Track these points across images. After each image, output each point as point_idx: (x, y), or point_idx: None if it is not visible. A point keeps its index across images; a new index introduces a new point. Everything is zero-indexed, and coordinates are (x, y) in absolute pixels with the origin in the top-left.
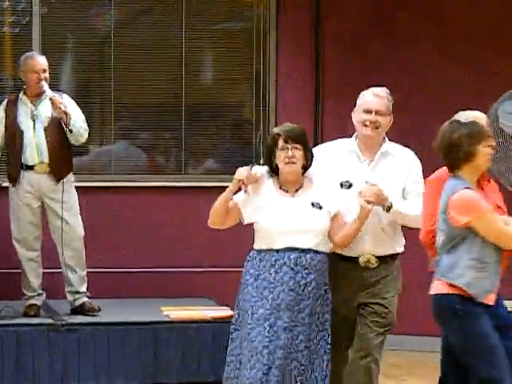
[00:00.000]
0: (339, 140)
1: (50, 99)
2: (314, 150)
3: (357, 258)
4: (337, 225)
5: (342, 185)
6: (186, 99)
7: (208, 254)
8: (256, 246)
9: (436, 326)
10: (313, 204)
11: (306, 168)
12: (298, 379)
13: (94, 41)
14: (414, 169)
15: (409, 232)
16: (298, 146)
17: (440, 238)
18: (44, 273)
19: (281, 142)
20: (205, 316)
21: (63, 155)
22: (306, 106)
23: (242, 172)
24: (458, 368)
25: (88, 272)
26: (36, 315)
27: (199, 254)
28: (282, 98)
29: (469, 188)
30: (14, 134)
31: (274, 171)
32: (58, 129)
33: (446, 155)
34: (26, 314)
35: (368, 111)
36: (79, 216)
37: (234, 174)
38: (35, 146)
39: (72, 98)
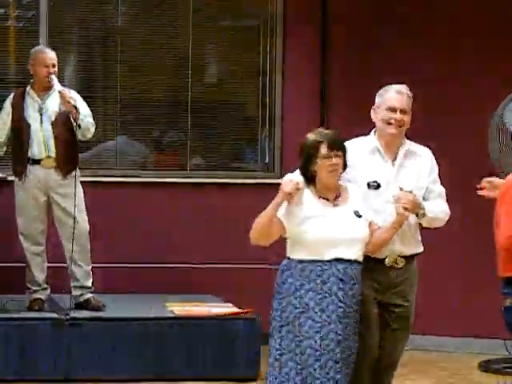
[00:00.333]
0: (359, 139)
1: (60, 93)
2: None
3: (382, 258)
4: (371, 231)
5: (369, 185)
6: (192, 95)
7: (212, 251)
8: (295, 255)
9: (438, 326)
10: (355, 213)
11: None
12: None
13: (100, 36)
14: (435, 168)
15: None
16: (340, 153)
17: None
18: (49, 267)
19: (324, 150)
20: (209, 312)
21: (70, 150)
22: (312, 103)
23: (288, 184)
24: None
25: (93, 267)
26: (40, 309)
27: (204, 250)
28: (287, 95)
29: None
30: (21, 128)
31: (310, 179)
32: (65, 123)
33: None
34: (30, 308)
35: (393, 109)
36: (85, 211)
37: (238, 170)
38: (42, 140)
39: (78, 92)
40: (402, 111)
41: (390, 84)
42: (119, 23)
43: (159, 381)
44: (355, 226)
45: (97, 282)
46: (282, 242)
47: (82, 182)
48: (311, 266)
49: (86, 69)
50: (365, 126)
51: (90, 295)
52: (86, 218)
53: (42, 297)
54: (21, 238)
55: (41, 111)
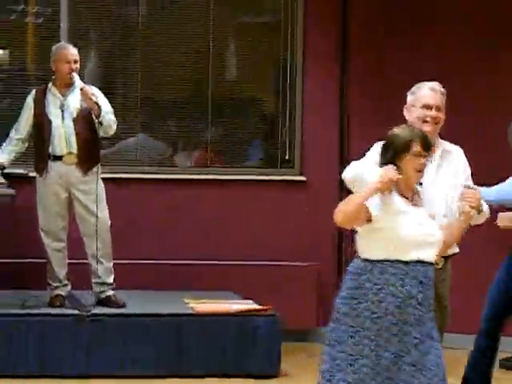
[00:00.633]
0: None
1: (81, 89)
2: (374, 149)
3: None
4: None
5: None
6: (212, 92)
7: (232, 248)
8: (373, 255)
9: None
10: (430, 214)
11: None
12: None
13: (120, 32)
14: (467, 166)
15: None
16: (428, 155)
17: None
18: (69, 263)
19: (417, 148)
20: (229, 309)
21: (91, 146)
22: (331, 101)
23: (392, 171)
24: None
25: (113, 263)
26: (61, 306)
27: (223, 247)
28: (308, 91)
29: None
30: (43, 124)
31: None
32: (86, 120)
33: None
34: (51, 305)
35: (428, 107)
36: (107, 207)
37: (259, 167)
38: (64, 137)
39: (98, 88)
40: (437, 108)
41: (417, 83)
42: (140, 19)
43: (179, 377)
44: (435, 228)
45: (117, 279)
46: (296, 239)
47: (102, 179)
48: (391, 269)
49: (106, 65)
50: (383, 124)
51: (111, 292)
52: (108, 214)
53: (63, 293)
54: (42, 234)
55: (62, 108)
